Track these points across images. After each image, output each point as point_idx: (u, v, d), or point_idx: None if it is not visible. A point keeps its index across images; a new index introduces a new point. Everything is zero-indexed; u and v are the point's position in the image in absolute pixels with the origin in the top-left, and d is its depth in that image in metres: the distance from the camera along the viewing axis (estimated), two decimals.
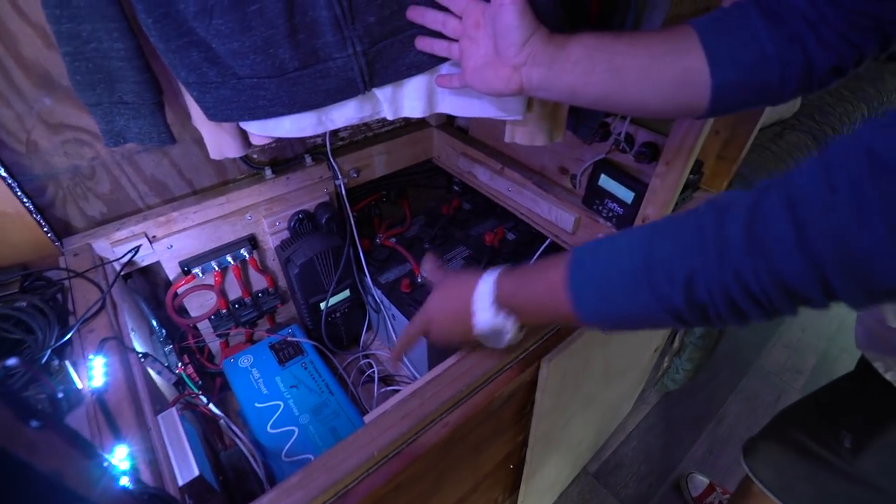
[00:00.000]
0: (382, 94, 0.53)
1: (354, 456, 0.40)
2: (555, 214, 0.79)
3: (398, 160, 0.95)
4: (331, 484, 0.38)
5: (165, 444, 0.43)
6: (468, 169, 0.94)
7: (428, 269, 0.54)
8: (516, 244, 0.96)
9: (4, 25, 0.49)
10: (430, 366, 0.82)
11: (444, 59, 0.50)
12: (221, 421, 0.59)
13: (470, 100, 0.53)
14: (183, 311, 0.74)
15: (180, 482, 0.40)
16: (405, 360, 0.87)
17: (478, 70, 0.44)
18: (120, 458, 0.39)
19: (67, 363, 0.45)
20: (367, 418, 0.45)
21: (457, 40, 0.46)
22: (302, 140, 0.80)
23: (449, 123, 1.00)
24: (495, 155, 0.89)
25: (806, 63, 0.36)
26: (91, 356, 0.46)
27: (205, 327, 0.78)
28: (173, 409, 0.45)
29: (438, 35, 0.47)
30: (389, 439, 0.42)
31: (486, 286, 0.43)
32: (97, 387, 0.44)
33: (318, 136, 0.81)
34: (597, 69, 0.40)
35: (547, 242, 0.84)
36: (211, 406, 0.58)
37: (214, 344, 0.81)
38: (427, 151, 1.02)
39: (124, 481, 0.36)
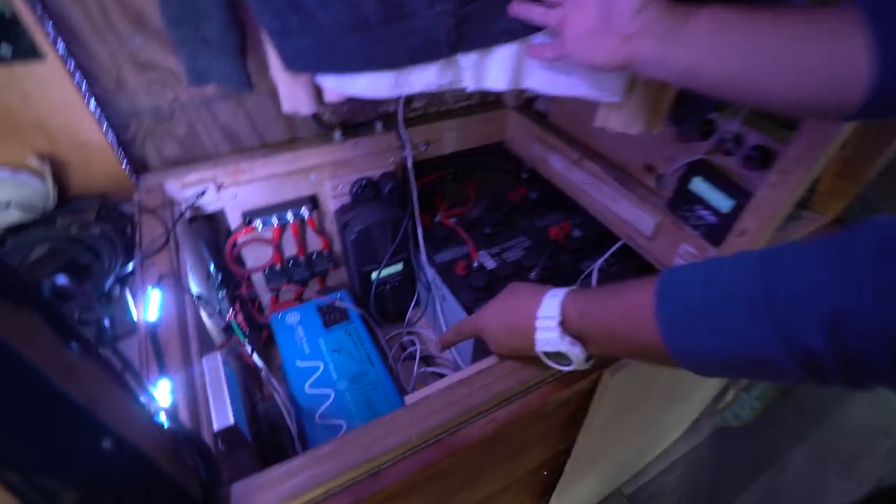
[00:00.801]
0: (467, 60, 0.49)
1: (392, 436, 0.37)
2: (633, 215, 0.72)
3: (469, 138, 0.91)
4: (364, 460, 0.36)
5: (206, 387, 0.42)
6: (542, 156, 0.88)
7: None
8: (582, 242, 0.90)
9: None
10: (475, 355, 0.79)
11: (538, 29, 0.45)
12: (263, 372, 0.59)
13: (562, 75, 0.48)
14: (240, 261, 0.75)
15: (215, 427, 0.39)
16: (453, 350, 0.84)
17: (580, 38, 0.39)
18: (162, 392, 0.38)
19: (127, 292, 0.45)
20: (408, 399, 0.42)
21: (558, 5, 0.41)
22: (374, 105, 0.78)
23: (527, 106, 0.94)
24: (574, 143, 0.82)
25: None
26: (149, 288, 0.47)
27: (258, 280, 0.79)
28: (218, 353, 0.45)
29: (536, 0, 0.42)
30: (430, 425, 0.39)
31: (552, 304, 0.38)
32: (151, 320, 0.44)
33: (390, 102, 0.79)
34: (725, 47, 0.33)
35: (618, 245, 0.77)
36: (255, 356, 0.58)
37: (265, 298, 0.82)
38: (500, 133, 0.97)
39: (162, 417, 0.36)
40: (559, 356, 0.39)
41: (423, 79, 0.50)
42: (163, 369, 0.40)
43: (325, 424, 0.62)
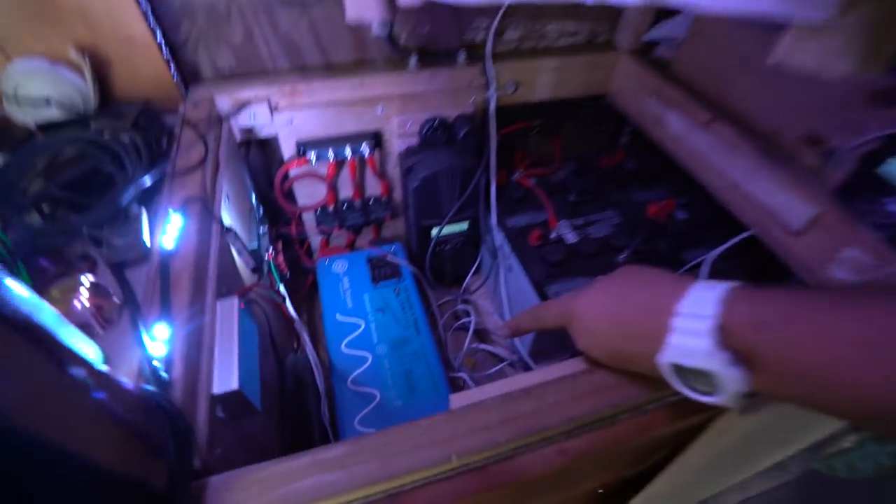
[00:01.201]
0: None
1: (425, 451, 0.28)
2: (778, 200, 0.54)
3: (567, 85, 0.76)
4: (384, 476, 0.27)
5: (215, 337, 0.35)
6: (656, 114, 0.70)
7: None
8: (688, 226, 0.73)
9: None
10: (536, 343, 0.67)
11: None
12: (296, 323, 0.52)
13: None
14: (290, 197, 0.68)
15: (215, 390, 0.32)
16: (507, 319, 0.73)
17: None
18: (158, 338, 0.31)
19: (144, 211, 0.38)
20: (453, 400, 0.32)
21: None
22: (459, 31, 0.65)
23: (645, 51, 0.76)
24: (704, 101, 0.64)
25: None
26: (171, 211, 0.40)
27: (308, 220, 0.72)
28: (235, 299, 0.37)
29: None
30: (477, 445, 0.29)
31: (705, 298, 0.25)
32: (167, 248, 0.37)
33: (479, 27, 0.65)
34: None
35: (744, 235, 0.60)
36: (288, 303, 0.51)
37: (315, 240, 0.76)
38: (604, 83, 0.80)
39: (155, 365, 0.29)
40: (698, 376, 0.26)
41: None
42: (166, 309, 0.33)
43: (357, 391, 0.55)
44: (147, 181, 0.39)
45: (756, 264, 0.65)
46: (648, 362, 0.28)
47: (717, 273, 0.64)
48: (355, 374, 0.57)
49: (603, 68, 0.77)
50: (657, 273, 0.30)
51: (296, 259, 0.72)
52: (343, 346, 0.59)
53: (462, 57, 0.65)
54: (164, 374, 0.29)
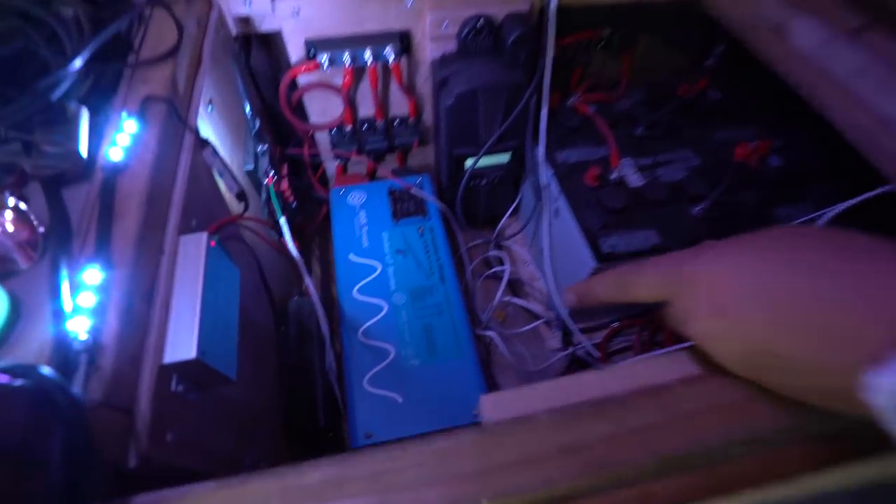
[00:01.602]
0: None
1: (442, 487, 0.19)
2: None
3: None
4: None
5: (172, 287, 0.27)
6: (776, 20, 0.53)
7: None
8: (785, 175, 0.59)
9: None
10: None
11: None
12: (298, 264, 0.44)
13: None
14: (299, 111, 0.57)
15: (166, 358, 0.24)
16: (552, 274, 0.62)
17: None
18: (87, 283, 0.23)
19: (85, 111, 0.29)
20: (486, 405, 0.23)
21: None
22: None
23: None
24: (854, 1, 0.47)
25: None
26: (124, 115, 0.30)
27: (322, 141, 0.62)
28: (203, 235, 0.28)
29: None
30: (521, 483, 0.19)
31: None
32: (113, 160, 0.28)
33: None
34: None
35: (880, 190, 0.45)
36: (288, 239, 0.42)
37: (331, 166, 0.65)
38: None
39: (81, 325, 0.21)
40: None
41: None
42: (103, 245, 0.24)
43: (368, 345, 0.48)
44: (77, 63, 0.29)
45: (886, 230, 0.51)
46: (833, 380, 0.17)
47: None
48: (368, 324, 0.49)
49: None
50: (871, 243, 0.19)
51: (307, 186, 0.63)
52: (355, 291, 0.51)
53: None
54: (80, 339, 0.20)
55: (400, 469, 0.19)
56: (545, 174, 0.60)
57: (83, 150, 0.27)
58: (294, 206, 0.53)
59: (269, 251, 0.45)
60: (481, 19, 0.53)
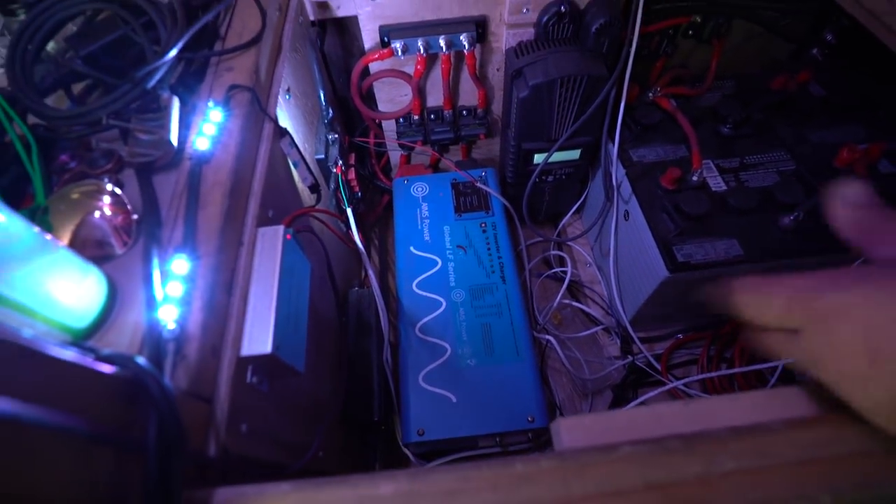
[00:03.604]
0: None
1: None
2: None
3: None
4: None
5: (251, 280, 0.27)
6: None
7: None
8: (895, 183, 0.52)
9: None
10: (645, 308, 0.55)
11: None
12: (362, 256, 0.44)
13: None
14: (369, 99, 0.57)
15: (244, 351, 0.24)
16: (615, 279, 0.59)
17: None
18: (175, 272, 0.23)
19: (176, 100, 0.29)
20: (563, 429, 0.21)
21: None
22: None
23: None
24: None
25: None
26: (211, 104, 0.30)
27: (388, 129, 0.61)
28: (280, 229, 0.29)
29: None
30: None
31: None
32: (200, 150, 0.28)
33: None
34: None
35: None
36: (354, 232, 0.42)
37: (394, 155, 0.65)
38: None
39: (170, 314, 0.21)
40: None
41: None
42: (190, 236, 0.25)
43: (425, 340, 0.47)
44: (171, 53, 0.29)
45: None
46: None
47: None
48: (425, 320, 0.49)
49: None
50: None
51: (370, 175, 0.63)
52: (415, 285, 0.51)
53: None
54: (169, 329, 0.21)
55: (474, 489, 0.18)
56: (618, 173, 0.57)
57: (174, 138, 0.28)
58: (359, 195, 0.53)
59: (334, 241, 0.45)
60: (565, 5, 0.50)
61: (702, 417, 0.22)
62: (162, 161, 0.29)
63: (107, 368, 0.17)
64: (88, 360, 0.15)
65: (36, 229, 0.20)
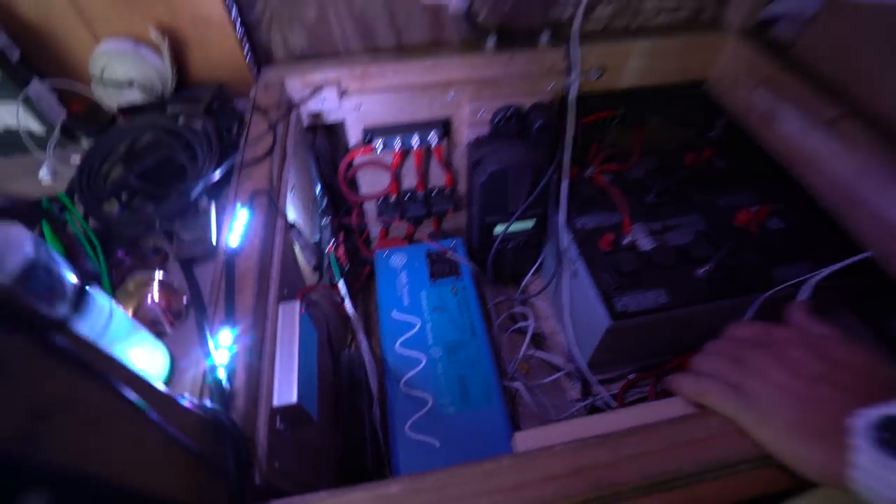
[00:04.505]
0: None
1: (488, 498, 0.25)
2: None
3: (659, 70, 0.68)
4: None
5: (276, 346, 0.34)
6: (766, 107, 0.61)
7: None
8: (785, 238, 0.64)
9: None
10: (598, 353, 0.63)
11: None
12: (352, 321, 0.51)
13: None
14: (353, 185, 0.67)
15: (276, 402, 0.31)
16: (571, 330, 0.68)
17: None
18: (223, 344, 0.30)
19: (213, 205, 0.38)
20: (519, 440, 0.29)
21: None
22: (544, 8, 0.59)
23: (759, 31, 0.66)
24: (831, 93, 0.54)
25: None
26: (238, 206, 0.39)
27: (370, 209, 0.71)
28: (296, 304, 0.36)
29: None
30: (545, 496, 0.26)
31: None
32: (232, 246, 0.36)
33: (567, 4, 0.59)
34: None
35: (860, 257, 0.51)
36: (347, 302, 0.50)
37: (374, 230, 0.74)
38: (703, 69, 0.71)
39: (222, 374, 0.28)
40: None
41: None
42: (230, 313, 0.32)
43: (409, 394, 0.54)
44: (216, 175, 0.38)
45: (866, 291, 0.56)
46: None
47: (816, 298, 0.56)
48: (408, 375, 0.55)
49: (704, 51, 0.68)
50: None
51: (354, 250, 0.71)
52: (398, 345, 0.58)
53: (545, 38, 0.60)
54: (226, 385, 0.28)
55: (457, 484, 0.26)
56: (565, 239, 0.67)
57: (214, 238, 0.36)
58: (347, 268, 0.61)
59: (329, 310, 0.52)
60: (511, 108, 0.62)
61: (613, 423, 0.31)
62: (202, 255, 0.36)
63: (196, 410, 0.23)
64: (192, 406, 0.22)
65: (129, 315, 0.27)
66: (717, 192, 0.74)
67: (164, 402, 0.21)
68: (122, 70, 0.46)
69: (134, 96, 0.48)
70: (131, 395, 0.19)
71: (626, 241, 0.65)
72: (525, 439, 0.29)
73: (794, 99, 0.57)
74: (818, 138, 0.54)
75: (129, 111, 0.45)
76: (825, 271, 0.53)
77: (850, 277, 0.54)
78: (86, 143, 0.41)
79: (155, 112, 0.46)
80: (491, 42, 0.57)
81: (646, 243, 0.66)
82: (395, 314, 0.61)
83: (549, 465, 0.27)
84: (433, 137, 0.61)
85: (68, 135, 0.43)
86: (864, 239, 0.51)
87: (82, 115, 0.46)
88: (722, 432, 0.28)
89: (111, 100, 0.47)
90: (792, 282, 0.57)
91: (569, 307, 0.68)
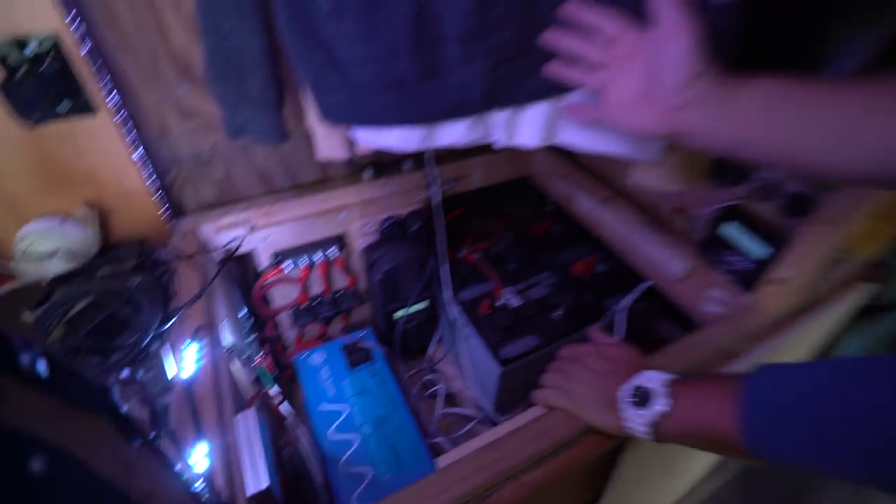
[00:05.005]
0: (499, 116, 0.49)
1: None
2: (662, 257, 0.71)
3: (496, 174, 0.92)
4: None
5: (240, 447, 0.42)
6: (568, 193, 0.88)
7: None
8: (607, 278, 0.88)
9: (160, 17, 0.51)
10: (499, 400, 0.78)
11: (575, 86, 0.45)
12: (288, 419, 0.59)
13: (598, 134, 0.48)
14: (266, 301, 0.76)
15: (249, 491, 0.39)
16: (474, 382, 0.83)
17: (622, 106, 0.39)
18: (199, 456, 0.38)
19: (163, 348, 0.46)
20: (440, 461, 0.41)
21: (601, 66, 0.40)
22: None
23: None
24: (602, 181, 0.82)
25: None
26: (186, 344, 0.47)
27: (284, 319, 0.80)
28: (252, 410, 0.45)
29: (574, 60, 0.42)
30: (462, 491, 0.38)
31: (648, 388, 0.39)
32: (186, 377, 0.45)
33: None
34: (779, 120, 0.32)
35: (645, 286, 0.75)
36: (283, 406, 0.58)
37: (290, 335, 0.83)
38: (525, 168, 0.97)
39: (200, 484, 0.36)
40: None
41: (453, 134, 0.50)
42: (199, 431, 0.40)
43: (350, 472, 0.62)
44: (158, 322, 0.47)
45: (665, 305, 0.82)
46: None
47: (638, 315, 0.79)
48: (346, 456, 0.64)
49: (523, 158, 0.94)
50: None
51: (276, 356, 0.79)
52: (330, 431, 0.66)
53: (408, 165, 0.79)
54: (207, 494, 0.36)
55: (412, 496, 0.37)
56: (454, 311, 0.84)
57: (168, 374, 0.44)
58: (275, 374, 0.68)
59: (268, 413, 0.60)
60: (392, 218, 0.79)
61: (499, 432, 0.45)
62: (160, 390, 0.44)
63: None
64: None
65: None
66: (558, 252, 0.97)
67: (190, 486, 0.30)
68: (47, 244, 0.53)
69: (58, 266, 0.54)
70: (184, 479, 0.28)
71: (499, 303, 0.83)
72: (444, 459, 0.41)
73: (582, 186, 0.84)
74: (601, 211, 0.80)
75: (62, 279, 0.52)
76: (625, 301, 0.76)
77: (647, 300, 0.78)
78: (30, 317, 0.46)
79: (86, 276, 0.53)
80: (368, 174, 0.75)
81: (514, 301, 0.86)
82: (323, 406, 0.69)
83: (461, 470, 0.40)
84: (333, 251, 0.75)
85: (9, 311, 0.47)
86: (645, 273, 0.75)
87: (15, 291, 0.51)
88: (564, 420, 0.44)
89: (36, 272, 0.53)
90: (615, 308, 0.80)
91: (468, 365, 0.83)
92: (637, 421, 0.39)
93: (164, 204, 0.62)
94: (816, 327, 0.64)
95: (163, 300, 0.51)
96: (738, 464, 1.12)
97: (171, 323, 0.49)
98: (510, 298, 0.85)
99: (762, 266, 0.60)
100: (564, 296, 0.85)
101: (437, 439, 0.76)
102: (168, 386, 0.44)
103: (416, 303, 0.82)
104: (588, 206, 0.83)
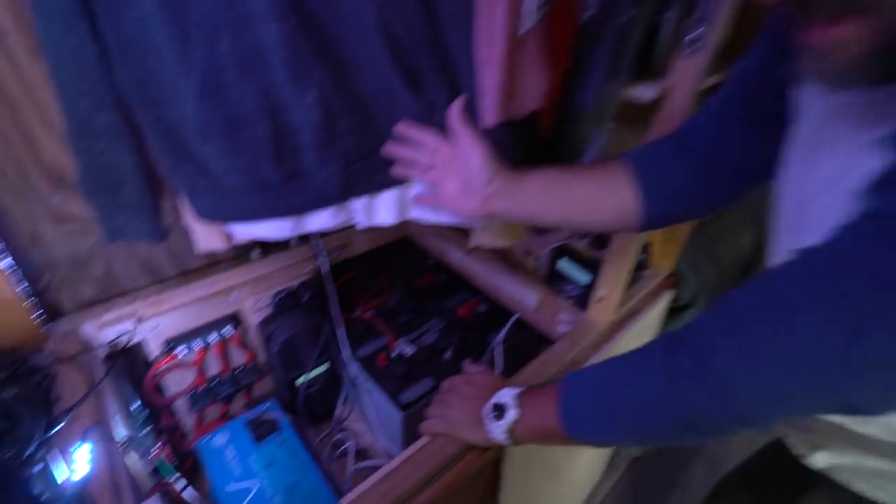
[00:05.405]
0: (358, 203, 0.59)
1: None
2: (520, 293, 0.86)
3: (379, 237, 1.03)
4: None
5: None
6: (441, 247, 1.01)
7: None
8: (487, 317, 1.02)
9: (31, 134, 0.55)
10: (406, 441, 0.84)
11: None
12: None
13: (439, 212, 0.60)
14: (160, 390, 0.75)
15: None
16: (382, 432, 0.88)
17: (451, 197, 0.52)
18: None
19: (48, 458, 0.46)
20: (343, 502, 0.48)
21: (432, 167, 0.53)
22: None
23: None
24: (466, 235, 0.97)
25: (724, 188, 0.46)
26: (75, 446, 0.48)
27: (181, 405, 0.79)
28: (154, 499, 0.47)
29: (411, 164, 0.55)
30: None
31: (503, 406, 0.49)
32: (78, 480, 0.45)
33: None
34: (552, 199, 0.49)
35: (513, 319, 0.90)
36: (188, 492, 0.59)
37: (189, 422, 0.82)
38: (405, 229, 1.10)
39: None
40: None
41: (319, 221, 0.58)
42: None
43: None
44: (55, 428, 0.47)
45: (534, 334, 0.97)
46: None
47: (515, 346, 0.92)
48: None
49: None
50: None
51: (175, 446, 0.77)
52: None
53: (294, 240, 0.86)
54: None
55: None
56: (354, 368, 0.90)
57: (59, 479, 0.44)
58: (176, 464, 0.67)
59: (170, 501, 0.59)
60: (284, 291, 0.85)
61: (395, 462, 0.53)
62: (52, 497, 0.44)
63: None
64: None
65: None
66: (443, 300, 1.09)
67: None
68: None
69: None
70: None
71: (394, 353, 0.91)
72: (347, 499, 0.48)
73: (451, 240, 0.98)
74: (469, 260, 0.95)
75: None
76: (500, 334, 0.90)
77: (521, 332, 0.93)
78: None
79: None
80: (256, 253, 0.81)
81: (408, 350, 0.94)
82: (231, 486, 0.70)
83: (372, 492, 0.46)
84: (228, 329, 0.78)
85: None
86: (511, 308, 0.90)
87: None
88: (446, 443, 0.53)
89: None
90: (490, 348, 0.93)
91: (374, 417, 0.89)
92: (497, 431, 0.49)
93: (38, 309, 0.61)
94: (638, 330, 0.83)
95: (44, 407, 0.51)
96: (624, 459, 1.30)
97: (56, 429, 0.49)
98: (404, 348, 0.94)
99: (588, 289, 0.78)
100: (452, 337, 0.96)
101: None
102: (59, 492, 0.44)
103: (315, 367, 0.87)
104: (458, 257, 0.97)
